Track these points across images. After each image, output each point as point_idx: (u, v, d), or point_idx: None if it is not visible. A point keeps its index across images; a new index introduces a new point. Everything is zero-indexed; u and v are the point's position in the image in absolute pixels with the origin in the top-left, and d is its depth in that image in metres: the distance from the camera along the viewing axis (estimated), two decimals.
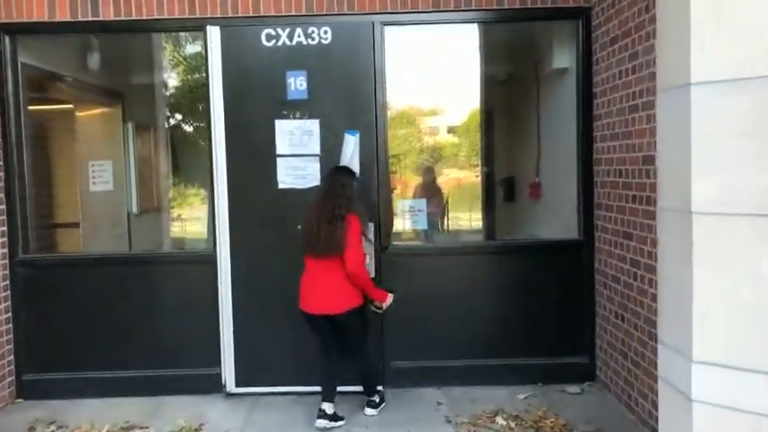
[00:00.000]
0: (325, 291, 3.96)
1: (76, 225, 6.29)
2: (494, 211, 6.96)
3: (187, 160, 7.46)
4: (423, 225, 5.00)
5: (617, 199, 4.25)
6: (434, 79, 6.49)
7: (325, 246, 3.91)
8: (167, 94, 7.31)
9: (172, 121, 7.67)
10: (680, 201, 2.47)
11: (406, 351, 4.75)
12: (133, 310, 4.76)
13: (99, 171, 5.76)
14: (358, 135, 4.55)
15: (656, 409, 3.71)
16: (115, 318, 4.76)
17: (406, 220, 4.96)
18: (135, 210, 6.82)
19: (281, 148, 4.57)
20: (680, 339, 2.51)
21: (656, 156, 2.68)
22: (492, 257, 4.87)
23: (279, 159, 4.56)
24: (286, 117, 4.57)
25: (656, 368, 3.73)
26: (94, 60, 5.99)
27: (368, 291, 4.02)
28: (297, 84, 4.52)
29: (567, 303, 4.78)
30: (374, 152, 4.58)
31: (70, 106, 6.26)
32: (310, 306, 4.01)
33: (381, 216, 4.69)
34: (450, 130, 8.24)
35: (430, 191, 6.21)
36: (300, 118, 4.55)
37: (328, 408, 4.07)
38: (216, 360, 4.71)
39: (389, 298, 4.13)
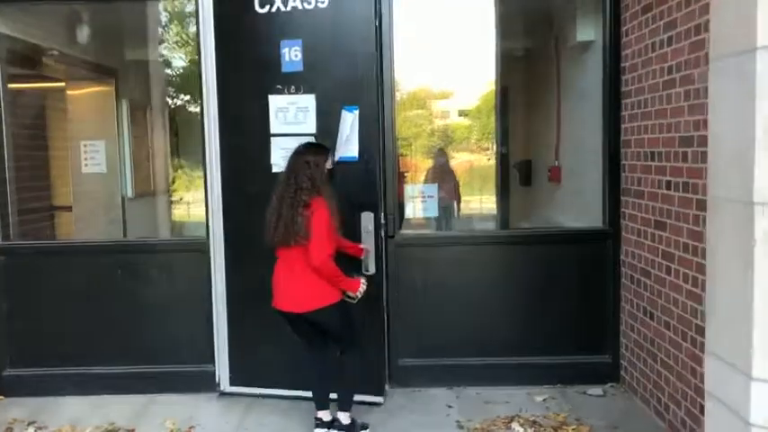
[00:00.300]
0: (294, 286, 3.46)
1: (67, 209, 5.99)
2: (509, 196, 6.57)
3: (190, 140, 7.08)
4: (433, 212, 4.59)
5: (648, 184, 3.85)
6: (446, 54, 6.09)
7: (283, 234, 3.38)
8: (164, 69, 6.94)
9: (171, 99, 7.31)
10: (739, 189, 2.08)
11: (414, 348, 4.39)
12: (121, 302, 4.42)
13: (91, 152, 5.43)
14: (357, 111, 3.99)
15: (692, 419, 3.35)
16: (102, 310, 4.42)
17: (416, 206, 4.56)
18: (130, 193, 6.49)
19: (274, 126, 4.10)
20: (735, 352, 2.13)
21: (709, 135, 2.28)
22: (508, 248, 4.48)
23: (272, 139, 4.10)
24: (280, 92, 4.09)
25: (691, 373, 3.36)
26: (84, 33, 5.63)
27: (338, 284, 3.47)
28: (291, 54, 4.03)
29: (589, 298, 4.40)
30: (377, 132, 4.09)
31: (58, 82, 5.91)
32: (281, 303, 3.52)
33: (388, 202, 4.32)
34: (463, 110, 7.85)
35: (442, 175, 5.81)
36: (295, 93, 4.08)
37: (325, 415, 3.70)
38: (209, 357, 4.37)
39: (362, 286, 3.58)
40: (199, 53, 4.23)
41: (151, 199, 6.87)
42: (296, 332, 3.65)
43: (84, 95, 6.25)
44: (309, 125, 4.05)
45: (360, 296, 3.59)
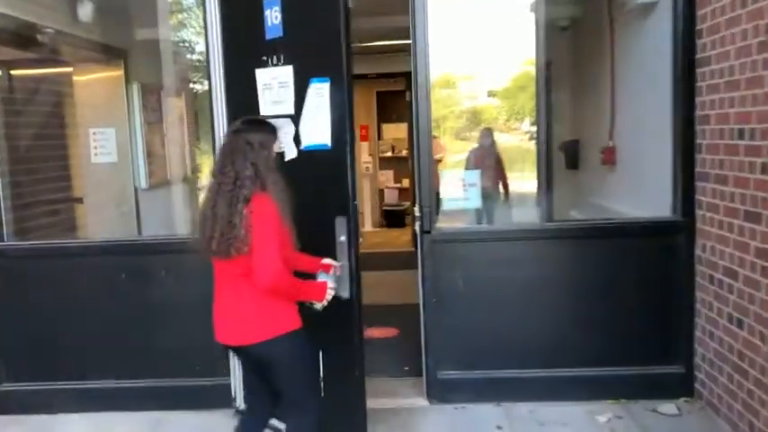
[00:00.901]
0: (232, 310, 2.64)
1: (73, 202, 5.57)
2: (554, 181, 5.96)
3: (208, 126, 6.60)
4: (476, 202, 3.99)
5: (735, 168, 3.23)
6: (484, 27, 5.52)
7: (220, 242, 2.52)
8: (178, 49, 6.44)
9: (191, 82, 6.82)
10: None
11: (457, 359, 3.87)
12: (127, 309, 3.95)
13: (101, 140, 5.00)
14: (328, 84, 3.13)
15: None
16: (106, 318, 3.96)
17: (456, 196, 3.98)
18: (143, 184, 6.03)
19: (262, 106, 3.41)
20: None
21: None
22: (562, 242, 3.91)
23: None
24: (264, 64, 3.39)
25: None
26: (87, 11, 5.14)
27: (298, 297, 2.68)
28: (273, 17, 3.30)
29: (657, 299, 3.82)
30: (345, 112, 3.15)
31: (60, 64, 5.45)
32: (219, 332, 2.70)
33: (423, 193, 3.79)
34: (501, 88, 7.28)
35: (488, 159, 5.20)
36: (276, 65, 3.35)
37: None
38: (225, 369, 3.88)
39: (329, 291, 2.75)
40: (205, 26, 3.72)
41: (167, 189, 6.41)
42: (245, 371, 2.91)
43: (91, 79, 5.79)
44: (288, 104, 3.28)
45: (327, 303, 2.78)
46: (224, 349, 2.79)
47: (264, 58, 3.33)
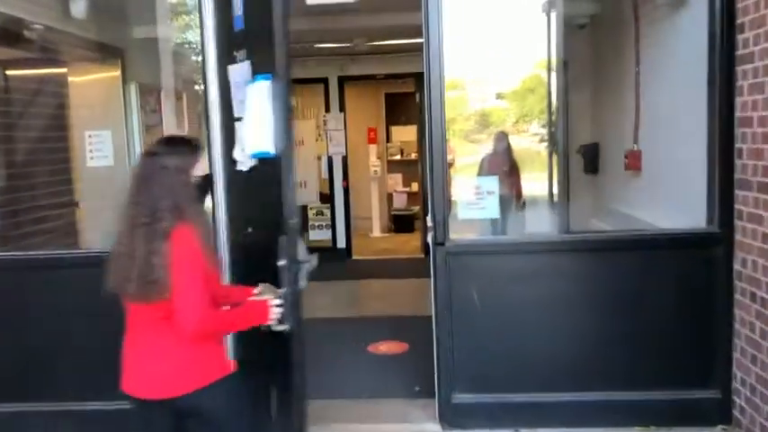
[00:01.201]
0: (153, 358, 2.27)
1: (69, 207, 5.34)
2: (572, 187, 5.66)
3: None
4: (493, 212, 3.68)
5: None
6: (499, 25, 5.28)
7: (138, 284, 2.17)
8: (178, 48, 6.19)
9: (190, 83, 6.59)
10: None
11: (472, 380, 3.59)
12: (119, 324, 3.67)
13: (96, 143, 4.76)
14: (270, 82, 2.69)
15: None
16: (103, 333, 3.61)
17: (471, 205, 3.68)
18: None
19: (234, 106, 3.05)
20: None
21: None
22: (585, 255, 3.62)
23: (236, 125, 3.03)
24: (234, 61, 3.05)
25: None
26: (80, 7, 4.89)
27: (235, 329, 2.47)
28: (237, 6, 2.97)
29: (691, 318, 3.52)
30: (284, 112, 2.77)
31: (55, 64, 5.22)
32: (130, 383, 2.31)
33: (436, 201, 3.51)
34: (508, 90, 7.04)
35: (503, 165, 4.91)
36: (242, 60, 2.98)
37: None
38: None
39: (272, 310, 2.42)
40: (201, 22, 3.46)
41: None
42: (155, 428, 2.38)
43: (87, 80, 5.55)
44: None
45: (278, 320, 2.45)
46: (136, 403, 2.31)
47: (235, 54, 3.01)
